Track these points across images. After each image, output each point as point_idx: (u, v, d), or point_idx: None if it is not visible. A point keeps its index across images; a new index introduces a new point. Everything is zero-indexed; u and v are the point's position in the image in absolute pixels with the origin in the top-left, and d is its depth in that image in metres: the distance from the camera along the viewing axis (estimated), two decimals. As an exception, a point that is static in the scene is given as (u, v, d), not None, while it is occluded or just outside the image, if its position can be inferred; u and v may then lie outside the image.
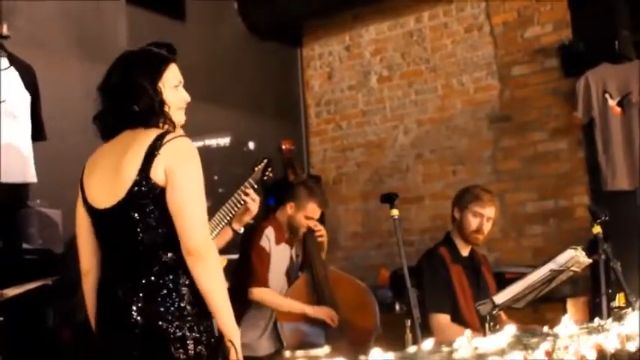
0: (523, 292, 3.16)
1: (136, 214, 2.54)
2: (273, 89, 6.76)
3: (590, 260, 3.28)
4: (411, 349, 1.34)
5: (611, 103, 5.45)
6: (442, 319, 3.98)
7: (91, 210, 2.65)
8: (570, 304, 5.06)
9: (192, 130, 5.84)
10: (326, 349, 2.18)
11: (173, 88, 2.70)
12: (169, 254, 2.55)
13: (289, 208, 4.56)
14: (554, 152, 5.82)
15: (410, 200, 6.38)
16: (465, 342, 1.50)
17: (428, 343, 1.37)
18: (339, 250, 6.64)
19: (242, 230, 3.83)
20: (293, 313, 4.49)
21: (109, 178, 2.59)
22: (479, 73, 6.17)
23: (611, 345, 2.07)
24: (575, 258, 3.14)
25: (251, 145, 6.38)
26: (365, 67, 6.71)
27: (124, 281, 2.56)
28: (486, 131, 6.12)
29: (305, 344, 4.50)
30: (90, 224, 2.68)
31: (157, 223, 2.54)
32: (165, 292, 2.53)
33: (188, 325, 2.53)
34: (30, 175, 4.42)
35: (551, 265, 3.11)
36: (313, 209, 4.53)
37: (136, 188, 2.52)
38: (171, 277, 2.55)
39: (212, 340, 2.60)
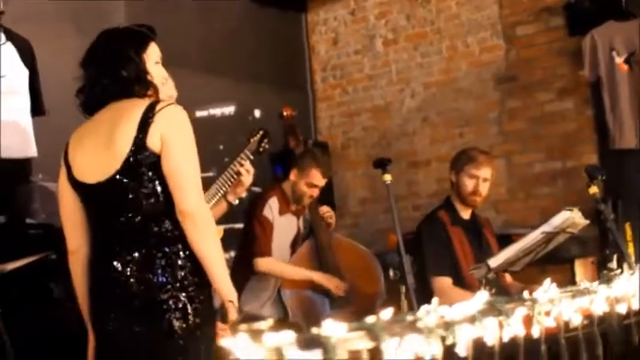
0: (517, 255, 3.13)
1: (134, 184, 2.54)
2: (278, 56, 6.71)
3: (587, 221, 3.24)
4: (369, 318, 1.33)
5: (618, 60, 5.37)
6: (444, 282, 3.96)
7: (80, 186, 2.64)
8: (578, 265, 5.03)
9: (197, 101, 5.91)
10: (270, 322, 2.16)
11: (154, 64, 2.72)
12: (167, 224, 2.56)
13: (292, 175, 4.54)
14: (561, 112, 5.76)
15: (417, 164, 6.36)
16: (431, 309, 1.48)
17: (387, 312, 1.35)
18: (347, 216, 6.64)
19: (237, 202, 3.81)
20: (298, 281, 4.50)
21: (99, 151, 2.58)
22: (484, 33, 6.09)
23: (599, 308, 2.04)
24: (570, 220, 3.10)
25: (257, 113, 6.36)
26: (370, 30, 6.65)
27: (121, 254, 2.55)
28: (492, 92, 6.06)
29: (310, 312, 4.52)
30: (76, 200, 2.67)
31: (155, 191, 2.55)
32: (163, 262, 2.53)
33: (188, 294, 2.54)
34: (31, 150, 4.43)
35: (544, 228, 3.08)
36: (316, 176, 4.50)
37: (133, 158, 2.52)
38: (170, 247, 2.55)
39: (210, 310, 2.61)
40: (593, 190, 3.33)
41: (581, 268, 5.01)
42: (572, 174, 5.69)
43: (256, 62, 6.44)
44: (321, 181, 4.56)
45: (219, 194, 3.69)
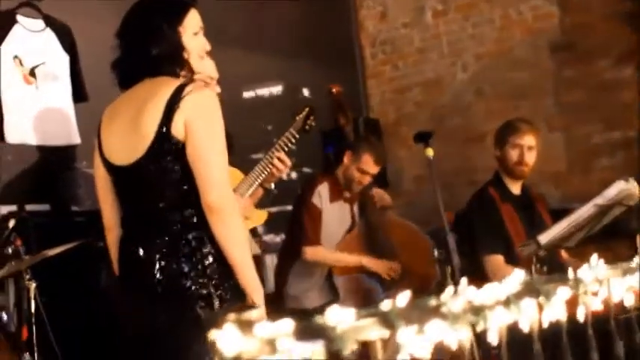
0: (569, 230, 2.95)
1: (157, 171, 2.45)
2: (326, 33, 6.56)
3: (646, 194, 3.04)
4: (385, 303, 1.20)
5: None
6: (496, 261, 3.80)
7: (109, 166, 2.57)
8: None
9: (244, 80, 5.82)
10: (260, 310, 2.05)
11: (193, 35, 2.58)
12: (192, 211, 2.45)
13: (346, 158, 4.42)
14: (621, 80, 5.49)
15: (472, 139, 6.16)
16: (458, 293, 1.35)
17: (404, 296, 1.22)
18: (402, 195, 6.48)
19: (273, 186, 3.70)
20: (349, 267, 4.40)
21: (127, 133, 2.49)
22: (537, 0, 5.84)
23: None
24: (625, 191, 2.91)
25: (305, 91, 6.23)
26: (419, 2, 6.45)
27: (145, 240, 2.48)
28: (547, 61, 5.82)
29: (362, 295, 4.40)
30: (107, 178, 2.60)
31: (179, 179, 2.45)
32: (188, 250, 2.44)
33: (213, 282, 2.44)
34: (74, 137, 4.42)
35: (597, 200, 2.90)
36: (368, 162, 4.37)
37: (157, 145, 2.42)
38: (194, 234, 2.45)
39: (238, 297, 2.51)
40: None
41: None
42: (633, 144, 5.44)
43: (304, 40, 6.31)
44: (373, 168, 4.43)
45: (257, 183, 3.57)
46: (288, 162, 3.59)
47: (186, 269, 2.43)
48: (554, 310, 1.50)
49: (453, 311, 1.27)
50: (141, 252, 2.48)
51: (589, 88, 5.63)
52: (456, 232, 4.53)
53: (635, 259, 1.86)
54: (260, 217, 3.61)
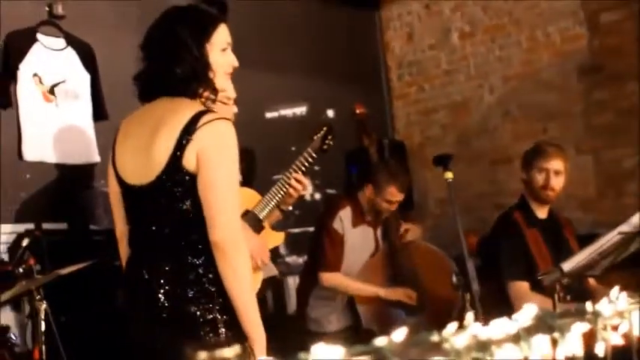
0: (593, 258, 2.84)
1: (166, 199, 2.38)
2: (352, 54, 6.51)
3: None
4: (380, 340, 1.11)
5: None
6: (521, 287, 3.70)
7: (121, 182, 2.50)
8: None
9: (269, 101, 5.77)
10: (236, 349, 2.01)
11: (221, 52, 2.48)
12: (197, 237, 2.37)
13: (368, 191, 4.35)
14: (652, 102, 5.36)
15: (498, 161, 6.05)
16: (467, 328, 1.26)
17: (401, 332, 1.13)
18: (427, 218, 6.38)
19: (290, 208, 3.63)
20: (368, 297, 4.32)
21: (140, 154, 2.41)
22: (565, 22, 5.74)
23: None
24: None
25: (330, 112, 6.17)
26: (445, 24, 6.38)
27: (151, 263, 2.41)
28: (576, 84, 5.70)
29: (384, 321, 4.31)
30: (120, 193, 2.53)
31: (188, 208, 2.37)
32: (193, 275, 2.37)
33: (218, 307, 2.37)
34: (93, 156, 4.39)
35: (622, 228, 2.79)
36: (393, 193, 4.30)
37: (167, 174, 2.35)
38: (201, 259, 2.37)
39: None
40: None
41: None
42: (666, 168, 5.31)
43: (330, 61, 6.26)
44: (399, 197, 4.36)
45: (272, 204, 3.49)
46: (306, 183, 3.53)
47: (191, 294, 2.36)
48: (569, 346, 1.41)
49: (456, 347, 1.19)
50: (146, 275, 2.41)
51: (618, 110, 5.51)
52: (480, 257, 4.45)
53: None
54: (276, 238, 3.54)
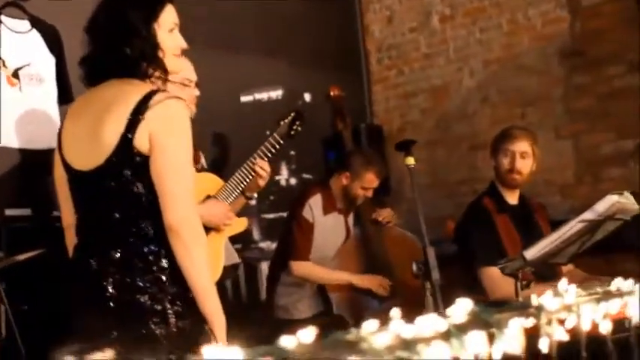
0: (557, 246, 2.76)
1: (116, 182, 2.31)
2: (330, 38, 6.40)
3: (640, 207, 2.84)
4: (284, 340, 1.03)
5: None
6: (493, 273, 3.61)
7: (67, 167, 2.43)
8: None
9: (244, 85, 5.67)
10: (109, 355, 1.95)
11: (168, 32, 2.42)
12: (149, 224, 2.31)
13: (344, 179, 4.27)
14: (633, 87, 5.26)
15: (478, 146, 5.95)
16: (391, 326, 1.17)
17: (309, 332, 1.05)
18: (405, 203, 6.29)
19: (255, 196, 3.55)
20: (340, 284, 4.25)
21: (88, 138, 2.34)
22: (546, 5, 5.65)
23: (636, 313, 1.69)
24: (616, 205, 2.71)
25: (307, 97, 6.07)
26: (426, 6, 6.27)
27: (99, 251, 2.34)
28: (557, 68, 5.61)
29: (356, 308, 4.24)
30: (65, 175, 2.46)
31: (139, 192, 2.30)
32: (143, 264, 2.30)
33: (168, 297, 2.30)
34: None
35: (586, 215, 2.71)
36: (370, 180, 4.24)
37: (117, 156, 2.28)
38: (151, 247, 2.31)
39: (197, 314, 2.35)
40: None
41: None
42: (645, 154, 5.23)
43: (307, 44, 6.15)
44: (375, 183, 4.29)
45: (237, 192, 3.42)
46: (269, 170, 3.45)
47: (140, 283, 2.29)
48: (507, 342, 1.33)
49: (375, 347, 1.10)
50: (94, 264, 2.34)
51: (599, 95, 5.42)
52: (456, 244, 4.39)
53: (614, 283, 1.68)
54: (240, 224, 3.46)
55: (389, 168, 6.18)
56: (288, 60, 5.95)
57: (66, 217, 2.52)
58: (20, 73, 4.19)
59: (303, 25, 6.13)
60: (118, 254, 2.31)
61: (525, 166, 3.82)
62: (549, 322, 1.45)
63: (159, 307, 2.29)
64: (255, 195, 3.56)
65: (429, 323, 1.20)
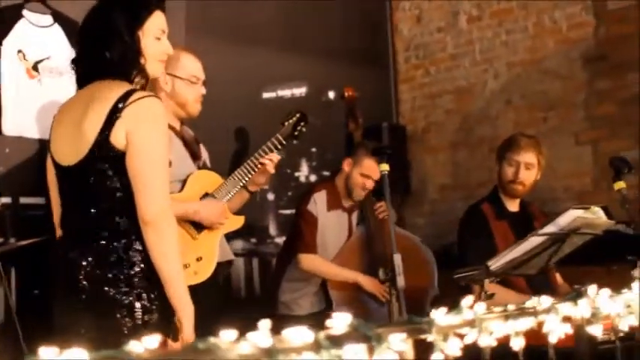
0: (521, 258, 2.77)
1: (94, 177, 2.43)
2: (358, 35, 6.43)
3: (612, 222, 2.84)
4: (134, 344, 1.10)
5: None
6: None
7: (55, 164, 2.58)
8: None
9: (268, 80, 5.74)
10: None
11: (154, 39, 2.54)
12: (124, 218, 2.43)
13: (346, 165, 4.32)
14: (654, 94, 5.22)
15: (499, 149, 5.95)
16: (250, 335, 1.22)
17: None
18: (426, 204, 6.33)
19: (259, 190, 3.62)
20: (345, 282, 4.29)
21: (71, 134, 2.48)
22: (572, 8, 5.60)
23: (555, 330, 1.72)
24: (580, 220, 2.72)
25: (331, 94, 6.12)
26: (454, 6, 6.27)
27: (76, 244, 2.46)
28: (580, 73, 5.57)
29: (356, 306, 4.28)
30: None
31: (115, 187, 2.43)
32: (115, 257, 2.42)
33: (137, 292, 2.41)
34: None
35: (548, 228, 2.72)
36: (370, 166, 4.22)
37: (95, 152, 2.41)
38: (123, 242, 2.43)
39: (165, 310, 2.45)
40: (619, 185, 2.92)
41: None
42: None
43: (336, 41, 6.19)
44: (375, 173, 4.30)
45: (240, 185, 3.49)
46: (276, 160, 3.49)
47: (110, 276, 2.40)
48: (385, 356, 1.38)
49: (227, 357, 1.16)
50: (70, 256, 2.46)
51: (620, 102, 5.37)
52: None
53: (531, 301, 1.72)
54: (236, 222, 3.53)
55: (411, 168, 6.23)
56: (314, 56, 5.99)
57: (56, 216, 2.64)
58: (40, 66, 4.34)
59: (330, 21, 6.17)
60: (93, 248, 2.42)
61: (529, 177, 3.81)
62: (445, 338, 1.50)
63: (126, 301, 2.40)
64: (259, 189, 3.63)
65: (298, 334, 1.26)
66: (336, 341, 1.30)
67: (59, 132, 2.57)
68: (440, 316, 1.49)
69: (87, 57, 2.54)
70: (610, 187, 5.38)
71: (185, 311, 2.42)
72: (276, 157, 3.54)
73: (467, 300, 1.57)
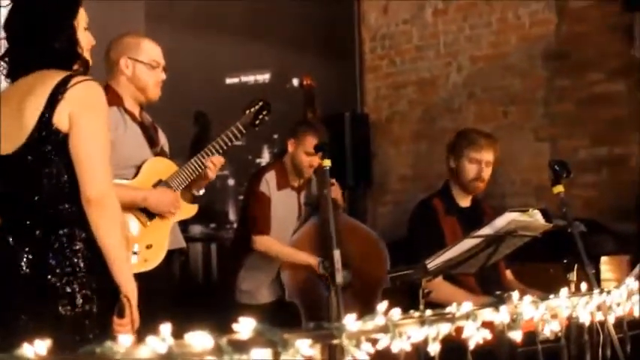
0: (459, 258, 2.82)
1: (36, 162, 2.44)
2: (325, 24, 6.45)
3: (549, 225, 2.89)
4: (25, 348, 1.11)
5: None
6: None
7: None
8: (607, 263, 4.59)
9: (234, 67, 5.75)
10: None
11: (83, 30, 2.59)
12: (67, 205, 2.45)
13: (290, 146, 4.33)
14: (612, 94, 5.28)
15: (461, 142, 6.00)
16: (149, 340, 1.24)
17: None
18: (388, 194, 6.38)
19: (202, 192, 3.59)
20: (298, 264, 4.31)
21: (10, 122, 2.48)
22: (536, 5, 5.64)
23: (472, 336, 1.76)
24: (516, 222, 2.76)
25: (295, 81, 6.12)
26: (420, -1, 6.30)
27: (18, 231, 2.46)
28: (541, 70, 5.63)
29: (308, 293, 4.33)
30: None
31: (58, 171, 2.44)
32: (57, 245, 2.43)
33: (79, 281, 2.42)
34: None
35: (484, 230, 2.76)
36: (311, 142, 4.16)
37: (37, 134, 2.41)
38: (66, 229, 2.44)
39: (106, 298, 2.47)
40: (558, 189, 2.97)
41: (610, 266, 4.58)
42: (619, 162, 5.25)
43: (300, 29, 6.20)
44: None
45: (190, 180, 3.46)
46: (219, 164, 3.47)
47: (52, 264, 2.41)
48: (295, 362, 1.41)
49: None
50: (12, 243, 2.46)
51: (579, 100, 5.44)
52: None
53: (452, 307, 1.75)
54: (189, 210, 3.53)
55: (374, 158, 6.26)
56: (279, 44, 6.01)
57: None
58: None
59: (297, 10, 6.18)
60: (35, 235, 2.43)
61: (488, 174, 3.86)
62: (357, 343, 1.53)
63: (67, 290, 2.41)
64: (202, 191, 3.60)
65: (200, 339, 1.28)
66: (241, 346, 1.32)
67: None
68: (351, 321, 1.52)
69: (28, 49, 2.53)
70: (567, 185, 5.48)
71: (130, 289, 2.44)
72: (220, 160, 3.51)
73: (381, 305, 1.60)
